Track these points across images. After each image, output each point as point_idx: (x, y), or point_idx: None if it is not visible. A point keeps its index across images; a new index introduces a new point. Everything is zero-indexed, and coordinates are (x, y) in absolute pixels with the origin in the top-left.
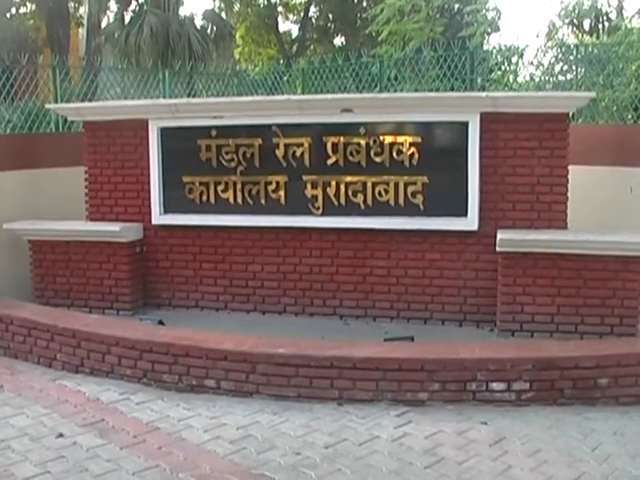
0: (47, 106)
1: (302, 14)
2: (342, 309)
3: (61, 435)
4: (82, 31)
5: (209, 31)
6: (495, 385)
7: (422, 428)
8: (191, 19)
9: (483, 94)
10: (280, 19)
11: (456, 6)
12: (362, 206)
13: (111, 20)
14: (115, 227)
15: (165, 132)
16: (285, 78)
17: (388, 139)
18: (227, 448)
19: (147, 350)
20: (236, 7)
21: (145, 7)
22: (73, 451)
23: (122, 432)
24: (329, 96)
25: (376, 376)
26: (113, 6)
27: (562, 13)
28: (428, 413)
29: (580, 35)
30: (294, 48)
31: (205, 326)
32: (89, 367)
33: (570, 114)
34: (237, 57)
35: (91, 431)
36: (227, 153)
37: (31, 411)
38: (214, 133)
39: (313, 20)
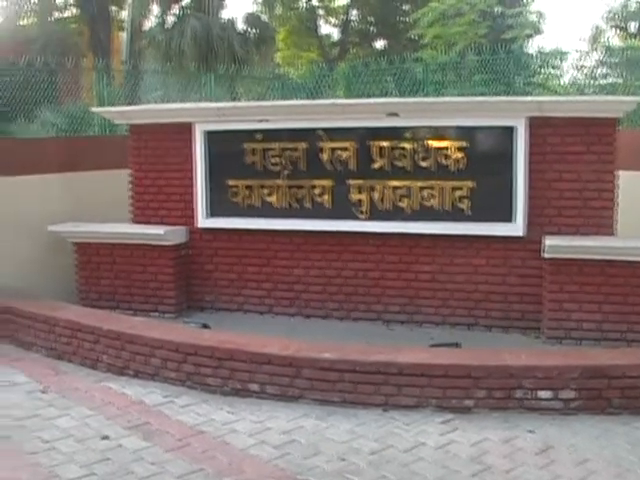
0: (93, 109)
1: (343, 17)
2: (386, 314)
3: (106, 437)
4: (123, 35)
5: (250, 34)
6: (542, 393)
7: (468, 435)
8: (233, 22)
9: (530, 98)
10: (320, 22)
11: (499, 9)
12: (407, 211)
13: (153, 24)
14: (160, 230)
15: (210, 135)
16: (327, 81)
17: (434, 143)
18: (272, 453)
19: (191, 353)
20: (277, 11)
21: (187, 11)
22: (118, 453)
23: (166, 435)
24: (375, 100)
25: (421, 382)
26: (155, 10)
27: (607, 16)
28: (473, 420)
29: (626, 38)
30: (334, 51)
31: (248, 330)
32: (133, 369)
33: (618, 119)
34: (278, 60)
35: (136, 433)
36: (272, 157)
37: (76, 412)
38: (259, 136)
39: (354, 23)
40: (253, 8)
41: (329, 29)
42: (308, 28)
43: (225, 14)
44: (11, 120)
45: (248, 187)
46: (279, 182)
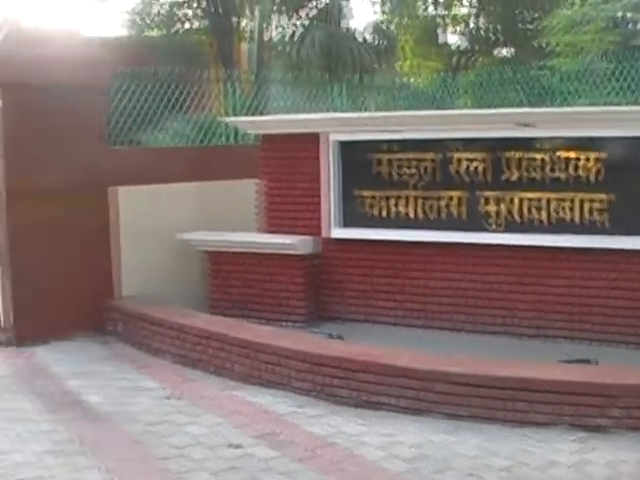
0: (225, 119)
1: (466, 25)
2: (517, 328)
3: (235, 445)
4: (246, 45)
5: (375, 44)
6: None
7: (602, 455)
8: (358, 32)
9: None
10: (442, 30)
11: (630, 15)
12: (541, 223)
13: (277, 34)
14: (291, 240)
15: (342, 146)
16: (452, 90)
17: (569, 155)
18: (402, 466)
19: (321, 364)
20: (400, 20)
21: (314, 21)
22: (247, 462)
23: (295, 445)
24: (507, 110)
25: (553, 399)
26: (280, 20)
27: None
28: (609, 440)
29: None
30: (457, 60)
31: (377, 341)
32: (261, 378)
33: None
34: (401, 69)
35: (264, 442)
36: (405, 167)
37: (204, 420)
38: (391, 147)
39: (477, 31)
40: (377, 17)
41: (451, 37)
42: (429, 37)
43: (349, 23)
44: (140, 129)
45: (380, 197)
46: (411, 193)
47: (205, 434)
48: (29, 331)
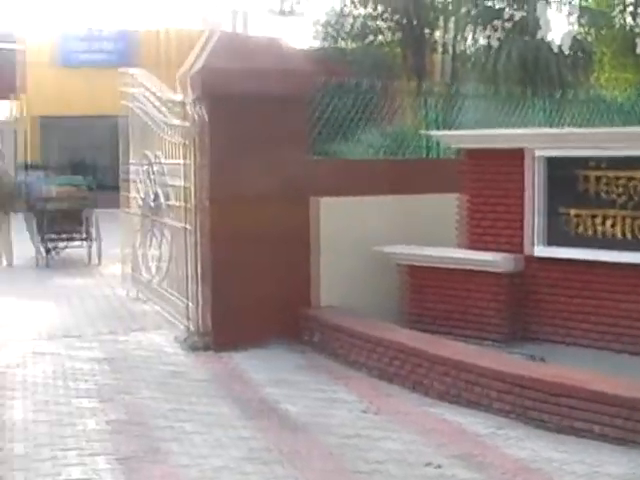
0: (426, 132)
1: None
2: None
3: (434, 465)
4: (439, 57)
5: (572, 56)
6: None
7: None
8: (555, 45)
9: None
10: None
11: None
12: None
13: (471, 46)
14: (493, 257)
15: (549, 162)
16: None
17: None
18: None
19: (522, 385)
20: (597, 31)
21: (510, 34)
22: None
23: (494, 467)
24: None
25: None
26: (475, 32)
27: None
28: None
29: None
30: None
31: (577, 364)
32: (460, 397)
33: None
34: (597, 82)
35: (462, 463)
36: (613, 185)
37: (400, 436)
38: (599, 164)
39: None
40: (571, 28)
41: None
42: (627, 48)
43: (545, 36)
44: (334, 140)
45: (585, 216)
46: (619, 212)
47: (401, 451)
48: (227, 337)
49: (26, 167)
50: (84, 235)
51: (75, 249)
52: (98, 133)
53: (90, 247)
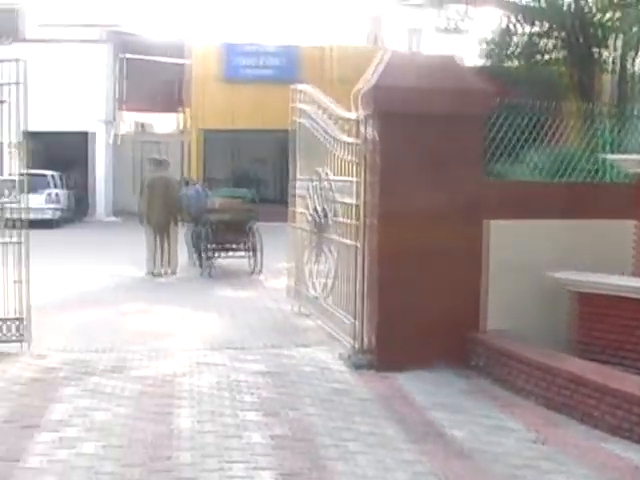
0: (606, 156)
1: None
2: None
3: None
4: (608, 77)
5: None
6: None
7: None
8: None
9: None
10: None
11: None
12: None
13: None
14: None
15: None
16: None
17: None
18: None
19: None
20: None
21: None
22: None
23: None
24: None
25: None
26: None
27: None
28: None
29: None
30: None
31: None
32: (632, 432)
33: None
34: None
35: None
36: None
37: (572, 470)
38: None
39: None
40: None
41: None
42: None
43: None
44: (501, 161)
45: None
46: None
47: None
48: (391, 356)
49: (186, 181)
50: (246, 247)
51: (235, 260)
52: (260, 147)
53: (251, 259)
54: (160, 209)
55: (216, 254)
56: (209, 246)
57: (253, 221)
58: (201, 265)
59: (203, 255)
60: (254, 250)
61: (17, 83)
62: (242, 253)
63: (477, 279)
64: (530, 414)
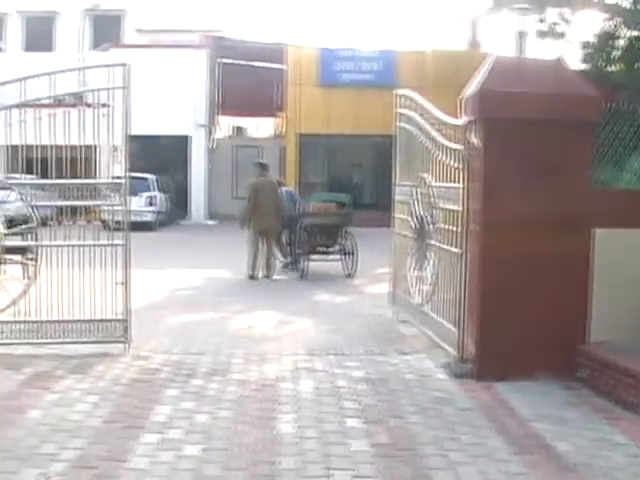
0: None
1: None
2: None
3: None
4: None
5: None
6: None
7: None
8: None
9: None
10: None
11: None
12: None
13: None
14: None
15: None
16: None
17: None
18: None
19: None
20: None
21: None
22: None
23: None
24: None
25: None
26: None
27: None
28: None
29: None
30: None
31: None
32: None
33: None
34: None
35: None
36: None
37: None
38: None
39: None
40: None
41: None
42: None
43: None
44: (603, 168)
45: None
46: None
47: None
48: (491, 365)
49: (279, 184)
50: (340, 250)
51: (327, 264)
52: (356, 152)
53: (346, 262)
54: (267, 213)
55: (310, 257)
56: (304, 249)
57: (347, 225)
58: (294, 268)
59: (298, 258)
60: (348, 254)
61: (122, 87)
62: (336, 256)
63: (583, 289)
64: (636, 428)
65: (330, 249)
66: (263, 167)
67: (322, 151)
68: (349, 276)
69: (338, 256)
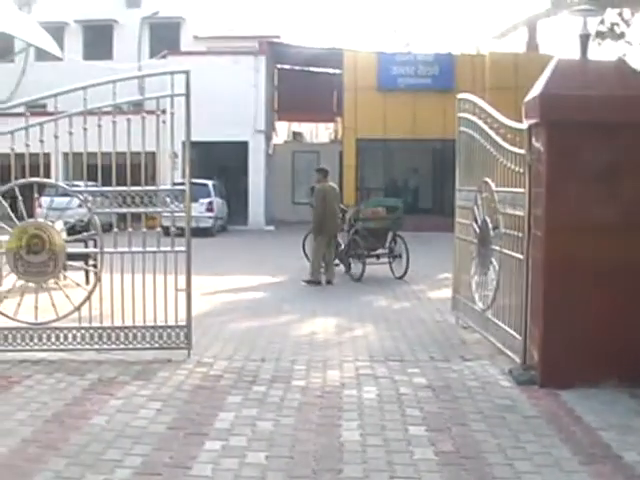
0: None
1: None
2: None
3: None
4: None
5: None
6: None
7: None
8: None
9: None
10: None
11: None
12: None
13: None
14: None
15: None
16: None
17: None
18: None
19: None
20: None
21: None
22: None
23: None
24: None
25: None
26: None
27: None
28: None
29: None
30: None
31: None
32: None
33: None
34: None
35: None
36: None
37: None
38: None
39: None
40: None
41: None
42: None
43: None
44: None
45: None
46: None
47: None
48: (555, 373)
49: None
50: (390, 253)
51: (379, 266)
52: (414, 156)
53: (397, 265)
54: (334, 217)
55: (362, 261)
56: (358, 253)
57: (397, 229)
58: (348, 272)
59: (353, 262)
60: (398, 256)
61: (184, 95)
62: (385, 259)
63: None
64: None
65: (382, 252)
66: (325, 173)
67: (380, 156)
68: (400, 278)
69: (390, 259)
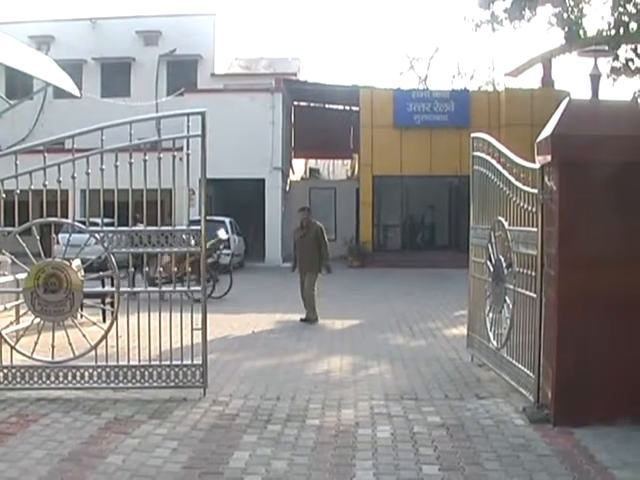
0: None
1: None
2: None
3: None
4: None
5: None
6: None
7: None
8: None
9: None
10: None
11: None
12: None
13: None
14: None
15: None
16: None
17: None
18: None
19: None
20: None
21: None
22: None
23: None
24: None
25: None
26: None
27: None
28: None
29: None
30: None
31: None
32: None
33: None
34: None
35: None
36: None
37: None
38: None
39: None
40: None
41: None
42: None
43: None
44: None
45: None
46: None
47: None
48: (569, 411)
49: None
50: None
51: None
52: (430, 193)
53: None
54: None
55: None
56: None
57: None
58: None
59: None
60: None
61: (200, 136)
62: None
63: None
64: None
65: None
66: (310, 211)
67: (396, 192)
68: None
69: None
